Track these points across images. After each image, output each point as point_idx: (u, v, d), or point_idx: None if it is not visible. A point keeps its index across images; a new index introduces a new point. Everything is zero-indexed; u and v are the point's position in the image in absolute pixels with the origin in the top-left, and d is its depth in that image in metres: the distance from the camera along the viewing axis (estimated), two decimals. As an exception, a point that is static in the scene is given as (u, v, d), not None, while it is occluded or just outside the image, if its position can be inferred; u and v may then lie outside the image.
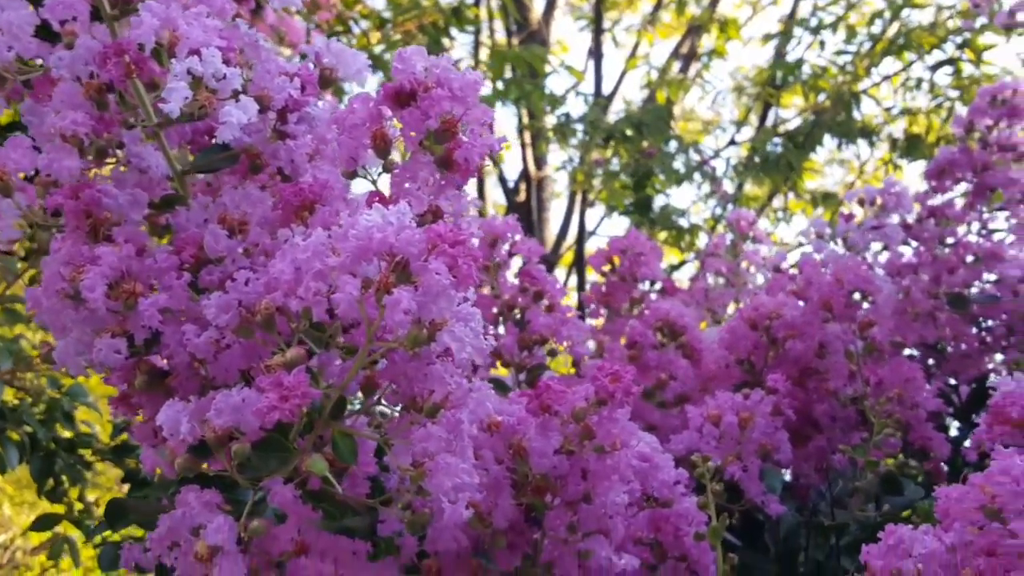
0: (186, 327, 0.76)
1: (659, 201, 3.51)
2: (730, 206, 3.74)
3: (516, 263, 1.45)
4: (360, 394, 0.83)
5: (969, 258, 1.91)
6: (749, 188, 4.41)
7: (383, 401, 0.81)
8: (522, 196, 4.91)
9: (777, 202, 4.39)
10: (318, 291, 0.68)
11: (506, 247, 1.40)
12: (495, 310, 1.40)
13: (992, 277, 1.89)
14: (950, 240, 1.93)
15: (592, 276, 2.04)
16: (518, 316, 1.42)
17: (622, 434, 0.90)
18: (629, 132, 3.29)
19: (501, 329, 1.41)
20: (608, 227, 4.69)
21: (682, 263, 3.16)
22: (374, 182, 0.81)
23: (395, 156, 0.81)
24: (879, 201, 1.78)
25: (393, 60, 0.76)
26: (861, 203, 1.81)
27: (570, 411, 0.88)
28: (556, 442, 0.88)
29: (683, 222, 3.56)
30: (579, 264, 4.40)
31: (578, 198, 4.46)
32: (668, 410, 1.56)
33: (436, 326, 0.68)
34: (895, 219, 1.79)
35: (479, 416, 0.76)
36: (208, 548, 0.72)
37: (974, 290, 1.88)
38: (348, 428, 0.77)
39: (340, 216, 0.71)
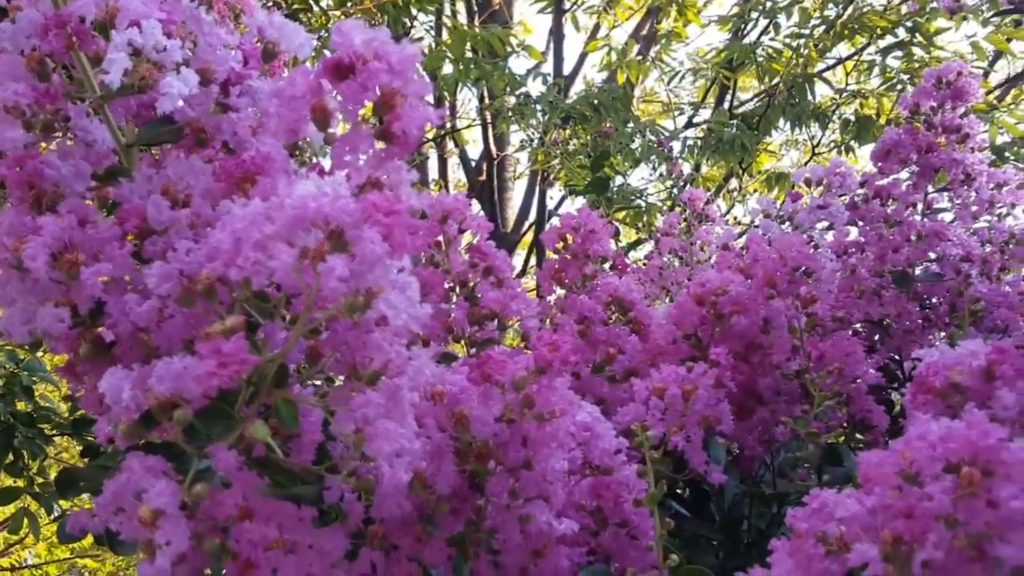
0: (128, 296, 0.77)
1: (619, 181, 3.54)
2: (687, 186, 3.78)
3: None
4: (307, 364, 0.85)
5: (913, 237, 1.96)
6: (707, 169, 4.46)
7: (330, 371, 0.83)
8: (484, 176, 4.92)
9: (735, 183, 4.44)
10: (257, 260, 0.70)
11: (456, 224, 1.41)
12: (447, 285, 1.42)
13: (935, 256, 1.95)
14: (895, 220, 1.98)
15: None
16: (469, 292, 1.44)
17: (561, 403, 0.92)
18: (587, 113, 3.32)
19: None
20: (568, 207, 4.71)
21: (638, 241, 3.20)
22: (317, 155, 0.83)
23: (337, 130, 0.83)
24: (825, 181, 1.83)
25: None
26: (808, 183, 1.85)
27: (510, 380, 0.91)
28: (497, 410, 0.91)
29: (641, 202, 3.61)
30: (540, 243, 4.42)
31: (539, 178, 4.48)
32: (618, 384, 1.59)
33: (372, 294, 0.70)
34: (841, 199, 1.84)
35: (419, 383, 0.78)
36: (151, 511, 0.73)
37: (919, 269, 1.93)
38: (291, 395, 0.78)
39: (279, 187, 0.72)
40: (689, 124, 4.35)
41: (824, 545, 0.85)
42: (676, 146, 3.64)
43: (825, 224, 1.84)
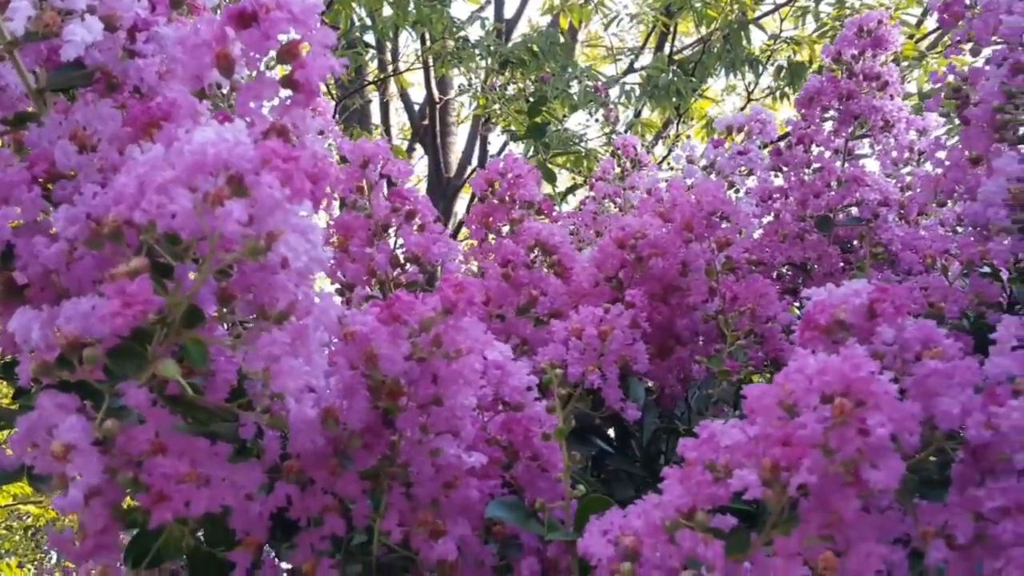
0: (36, 239, 0.79)
1: (559, 127, 3.56)
2: (628, 132, 3.82)
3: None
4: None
5: (833, 183, 2.02)
6: (647, 115, 4.50)
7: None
8: (428, 120, 4.90)
9: (674, 129, 4.49)
10: (160, 204, 0.72)
11: (378, 168, 1.43)
12: (369, 230, 1.45)
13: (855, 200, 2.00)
14: (817, 165, 2.03)
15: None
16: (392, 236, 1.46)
17: (467, 341, 0.96)
18: (525, 58, 3.32)
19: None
20: (511, 152, 4.71)
21: (574, 187, 3.23)
22: (226, 102, 0.84)
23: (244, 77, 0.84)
24: (746, 128, 1.87)
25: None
26: (729, 130, 1.90)
27: (419, 320, 0.95)
28: (406, 349, 0.94)
29: (581, 148, 3.64)
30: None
31: (481, 123, 4.48)
32: (543, 325, 1.64)
33: (272, 237, 0.72)
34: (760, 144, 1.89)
35: (324, 323, 0.82)
36: (62, 446, 0.76)
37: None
38: (199, 335, 0.81)
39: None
40: (629, 70, 4.37)
41: (712, 472, 0.91)
42: (615, 92, 3.67)
43: (746, 169, 1.89)
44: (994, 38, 1.28)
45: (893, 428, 0.84)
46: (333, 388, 0.97)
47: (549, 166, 3.06)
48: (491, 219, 1.74)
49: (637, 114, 4.08)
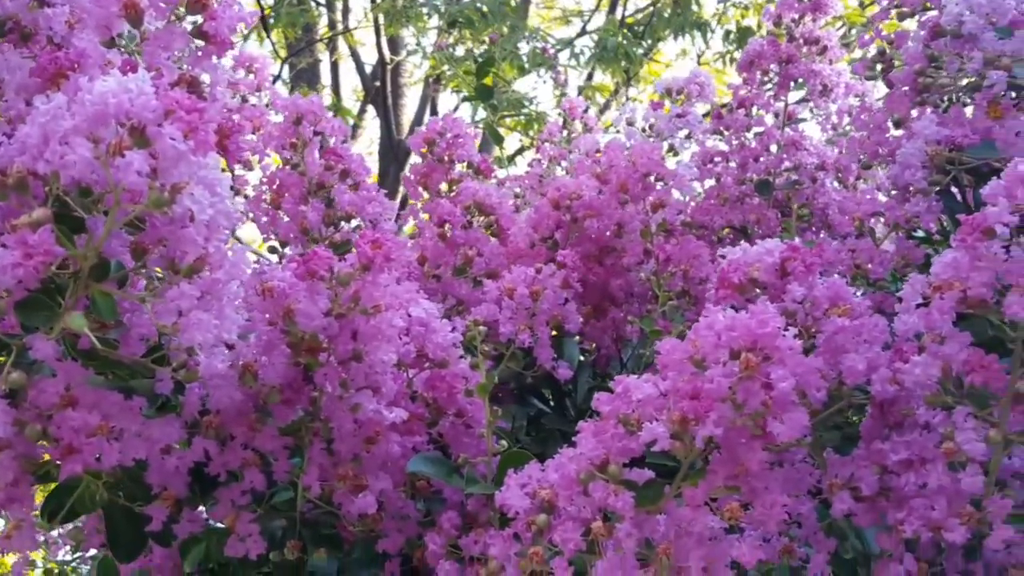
0: (-62, 190, 0.78)
1: (509, 88, 3.54)
2: (579, 95, 3.80)
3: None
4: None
5: (772, 146, 2.03)
6: (600, 79, 4.50)
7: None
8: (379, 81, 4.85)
9: (625, 92, 4.49)
10: (63, 155, 0.72)
11: (312, 126, 1.42)
12: (303, 188, 1.44)
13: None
14: (758, 129, 2.05)
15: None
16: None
17: (386, 297, 0.97)
18: (474, 18, 3.29)
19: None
20: (463, 114, 4.69)
21: (521, 149, 3.23)
22: (132, 52, 0.83)
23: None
24: (685, 91, 1.88)
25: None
26: (668, 92, 1.90)
27: (337, 276, 0.95)
28: (324, 305, 0.95)
29: (531, 110, 3.63)
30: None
31: (431, 84, 4.44)
32: (480, 286, 1.65)
33: (176, 189, 0.72)
34: (699, 108, 1.90)
35: (236, 277, 0.82)
36: (-33, 398, 0.76)
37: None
38: (106, 288, 0.81)
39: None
40: (582, 32, 4.36)
41: (625, 426, 0.93)
42: (565, 55, 3.66)
43: (684, 132, 1.90)
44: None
45: (796, 382, 0.87)
46: (253, 344, 0.97)
47: (497, 128, 3.05)
48: (429, 179, 1.74)
49: (589, 77, 4.08)
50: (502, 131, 4.28)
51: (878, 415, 1.02)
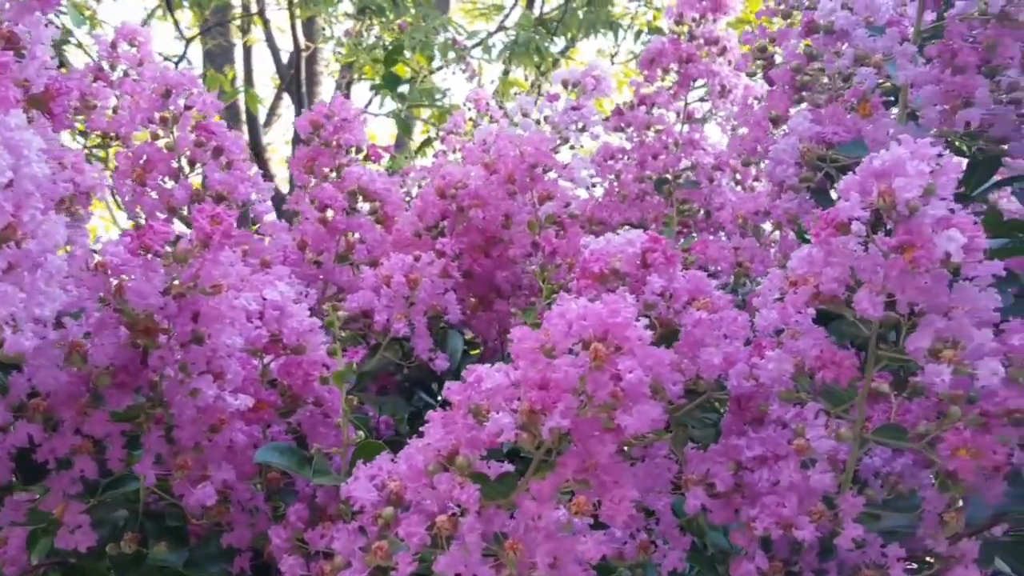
0: None
1: (420, 79, 3.48)
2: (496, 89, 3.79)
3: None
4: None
5: (671, 145, 2.03)
6: (520, 75, 4.47)
7: None
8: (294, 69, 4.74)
9: (540, 88, 4.47)
10: None
11: (183, 100, 1.36)
12: (173, 164, 1.38)
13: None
14: (658, 127, 2.04)
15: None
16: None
17: (229, 277, 0.92)
18: (384, 5, 3.23)
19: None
20: (379, 103, 4.59)
21: (428, 140, 3.18)
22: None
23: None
24: (581, 84, 1.86)
25: None
26: (565, 85, 1.88)
27: (174, 253, 0.90)
28: (160, 283, 0.90)
29: (444, 101, 3.58)
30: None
31: (344, 73, 4.36)
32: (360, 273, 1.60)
33: (-29, 149, 0.66)
34: (593, 102, 1.88)
35: (46, 248, 0.76)
36: None
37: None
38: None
39: None
40: (500, 27, 4.34)
41: (475, 416, 0.90)
42: (480, 49, 3.62)
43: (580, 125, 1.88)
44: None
45: (646, 374, 0.84)
46: (85, 323, 0.92)
47: (404, 118, 3.00)
48: (315, 163, 1.68)
49: (505, 72, 4.05)
50: (419, 123, 4.25)
51: (736, 411, 1.01)
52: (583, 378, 0.84)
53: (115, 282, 0.89)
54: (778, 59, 1.36)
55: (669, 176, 2.00)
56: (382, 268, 1.39)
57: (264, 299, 1.04)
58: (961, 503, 1.03)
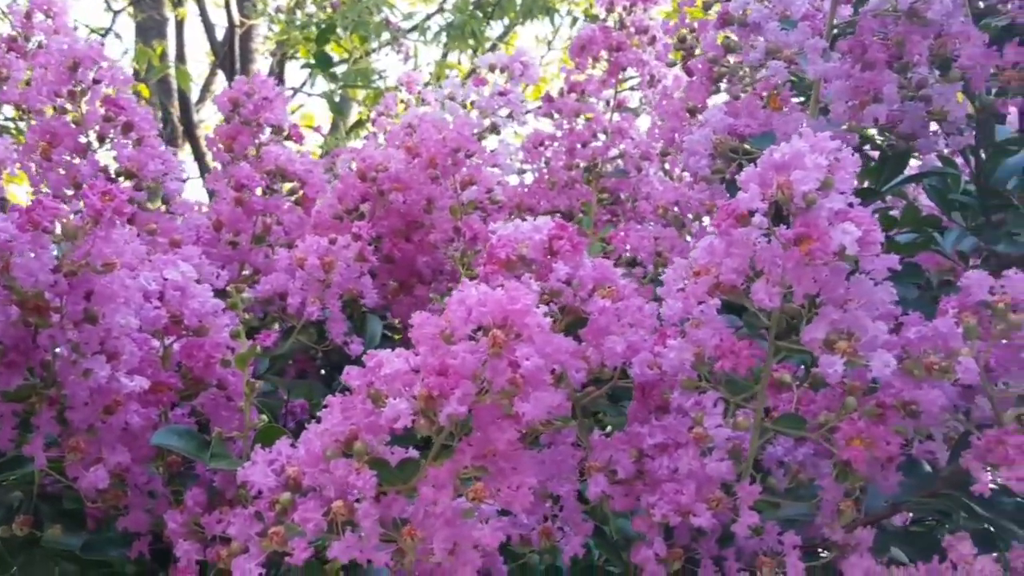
0: None
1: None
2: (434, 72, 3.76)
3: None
4: None
5: (600, 133, 2.03)
6: (460, 59, 4.45)
7: None
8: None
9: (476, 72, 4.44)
10: None
11: (91, 74, 1.32)
12: (81, 140, 1.34)
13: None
14: (588, 115, 2.04)
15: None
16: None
17: (123, 255, 0.90)
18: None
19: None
20: (311, 83, 4.54)
21: (361, 121, 3.14)
22: None
23: None
24: (509, 69, 1.86)
25: None
26: (492, 69, 1.87)
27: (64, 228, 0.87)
28: (49, 260, 0.87)
29: (380, 83, 3.54)
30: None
31: (279, 51, 4.29)
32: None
33: None
34: (521, 87, 1.87)
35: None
36: None
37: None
38: None
39: None
40: (440, 9, 4.30)
41: (374, 401, 0.89)
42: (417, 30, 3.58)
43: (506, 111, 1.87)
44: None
45: (544, 361, 0.84)
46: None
47: (340, 99, 2.96)
48: (235, 141, 1.65)
49: (444, 55, 4.03)
50: (357, 104, 4.20)
51: (641, 399, 1.02)
52: (483, 364, 0.84)
53: (2, 259, 0.85)
54: (699, 50, 1.36)
55: (598, 165, 2.01)
56: (296, 250, 1.37)
57: (165, 279, 1.02)
58: (860, 492, 1.06)
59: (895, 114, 1.15)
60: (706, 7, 1.36)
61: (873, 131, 1.21)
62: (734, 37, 1.24)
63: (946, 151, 1.22)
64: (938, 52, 1.09)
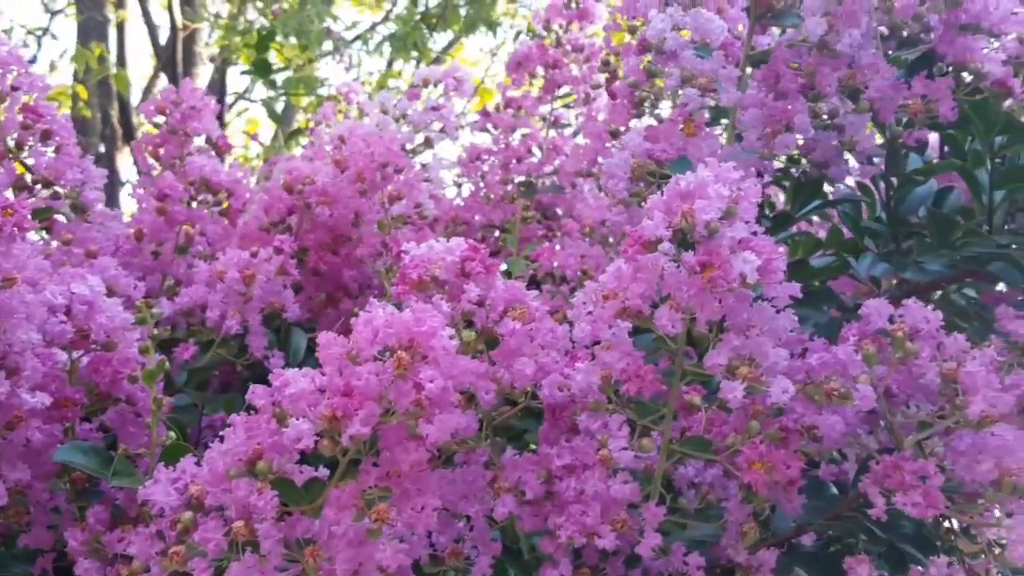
0: None
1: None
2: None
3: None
4: None
5: (535, 149, 2.05)
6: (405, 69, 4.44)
7: None
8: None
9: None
10: None
11: (9, 80, 1.30)
12: (-1, 146, 1.31)
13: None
14: (524, 130, 2.05)
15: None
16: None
17: (25, 270, 0.88)
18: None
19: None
20: (260, 90, 4.50)
21: (299, 130, 3.12)
22: None
23: None
24: (442, 84, 1.86)
25: None
26: (426, 84, 1.88)
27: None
28: (-54, 274, 0.85)
29: (323, 91, 3.53)
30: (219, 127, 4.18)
31: (222, 56, 4.24)
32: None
33: None
34: (456, 103, 1.88)
35: None
36: None
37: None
38: None
39: None
40: (386, 18, 4.30)
41: (279, 421, 0.88)
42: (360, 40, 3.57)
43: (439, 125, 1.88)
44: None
45: (449, 383, 0.85)
46: None
47: (285, 107, 2.95)
48: (161, 150, 1.63)
49: (389, 64, 4.02)
50: (303, 112, 4.17)
51: (552, 420, 1.02)
52: (387, 386, 0.84)
53: None
54: (622, 73, 1.38)
55: (533, 180, 2.02)
56: (217, 263, 1.36)
57: (72, 293, 1.00)
58: (771, 512, 1.08)
59: (809, 143, 1.18)
60: (631, 31, 1.37)
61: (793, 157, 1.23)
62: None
63: (857, 180, 1.25)
64: (848, 83, 1.12)
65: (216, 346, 1.37)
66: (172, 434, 1.04)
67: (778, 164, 1.24)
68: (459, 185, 2.17)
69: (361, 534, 0.88)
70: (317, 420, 0.84)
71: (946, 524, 1.03)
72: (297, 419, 0.84)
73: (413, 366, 0.84)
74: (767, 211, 1.38)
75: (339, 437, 0.84)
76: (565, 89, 2.06)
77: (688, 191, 0.87)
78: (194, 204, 1.56)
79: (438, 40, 3.90)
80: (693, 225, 0.86)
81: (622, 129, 1.33)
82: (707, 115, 1.26)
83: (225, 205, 1.58)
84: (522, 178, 2.03)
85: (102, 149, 4.65)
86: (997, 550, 0.97)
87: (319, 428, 0.84)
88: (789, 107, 1.12)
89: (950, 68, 1.14)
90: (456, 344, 0.85)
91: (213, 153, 1.66)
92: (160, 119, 1.63)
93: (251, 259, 1.35)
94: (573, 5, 2.05)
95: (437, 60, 3.98)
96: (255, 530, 0.86)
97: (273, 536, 0.85)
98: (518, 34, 3.90)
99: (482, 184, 2.05)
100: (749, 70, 1.21)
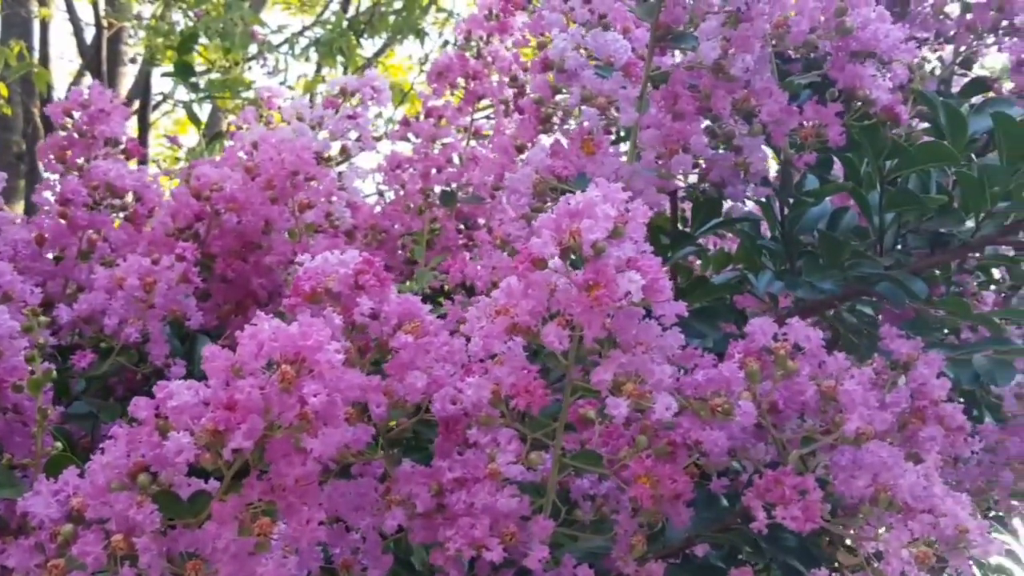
0: None
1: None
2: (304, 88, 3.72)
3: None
4: None
5: (455, 159, 2.05)
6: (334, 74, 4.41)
7: None
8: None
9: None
10: None
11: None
12: None
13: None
14: (445, 140, 2.06)
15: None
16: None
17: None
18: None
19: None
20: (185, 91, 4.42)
21: (218, 134, 3.09)
22: None
23: None
24: (359, 93, 1.86)
25: None
26: (343, 92, 1.87)
27: None
28: None
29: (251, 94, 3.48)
30: (142, 129, 4.12)
31: (145, 56, 4.17)
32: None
33: None
34: (373, 111, 1.88)
35: None
36: None
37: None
38: None
39: None
40: (317, 22, 4.27)
41: (162, 433, 0.87)
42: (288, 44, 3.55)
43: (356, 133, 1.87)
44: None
45: (334, 397, 0.85)
46: None
47: (196, 108, 2.91)
48: (67, 153, 1.60)
49: (318, 69, 4.00)
50: (228, 114, 4.11)
51: (445, 433, 1.03)
52: (270, 400, 0.84)
53: None
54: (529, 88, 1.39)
55: (453, 190, 2.03)
56: (117, 270, 1.33)
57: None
58: (666, 522, 1.10)
59: (707, 163, 1.21)
60: (540, 46, 1.39)
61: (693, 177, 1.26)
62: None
63: (752, 199, 1.28)
64: (742, 106, 1.15)
65: (115, 354, 1.35)
66: (59, 444, 1.02)
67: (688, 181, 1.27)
68: (381, 194, 2.16)
69: (245, 548, 0.87)
70: (200, 433, 0.84)
71: (827, 537, 1.06)
72: (179, 432, 0.84)
73: (298, 380, 0.84)
74: (680, 226, 1.41)
75: (222, 450, 0.83)
76: (487, 100, 2.08)
77: (576, 210, 0.89)
78: (100, 209, 1.53)
79: (368, 47, 3.90)
80: (580, 244, 0.87)
81: (528, 144, 1.35)
82: (619, 132, 1.28)
83: (132, 210, 1.55)
84: (442, 188, 2.03)
85: (24, 147, 4.54)
86: (876, 563, 1.01)
87: (202, 441, 0.84)
88: (686, 128, 1.15)
89: (840, 93, 1.17)
90: (343, 358, 0.85)
91: (122, 157, 1.63)
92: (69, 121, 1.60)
93: (152, 266, 1.33)
94: (493, 18, 2.06)
95: (365, 67, 3.96)
96: (134, 544, 0.85)
97: (152, 550, 0.84)
98: (445, 43, 3.91)
99: (402, 192, 2.04)
100: (651, 89, 1.24)
